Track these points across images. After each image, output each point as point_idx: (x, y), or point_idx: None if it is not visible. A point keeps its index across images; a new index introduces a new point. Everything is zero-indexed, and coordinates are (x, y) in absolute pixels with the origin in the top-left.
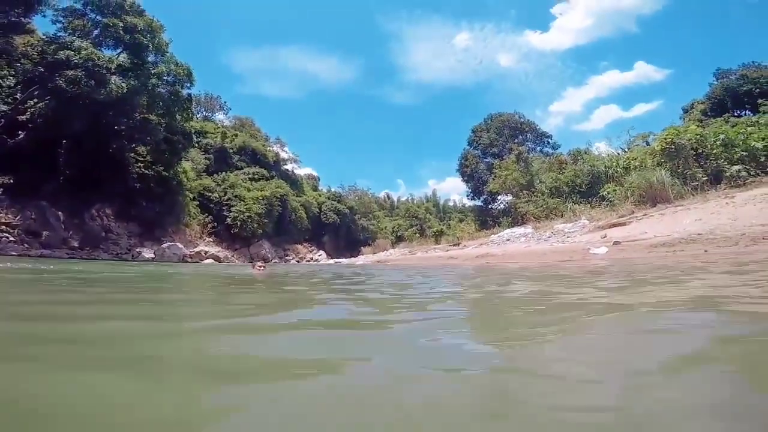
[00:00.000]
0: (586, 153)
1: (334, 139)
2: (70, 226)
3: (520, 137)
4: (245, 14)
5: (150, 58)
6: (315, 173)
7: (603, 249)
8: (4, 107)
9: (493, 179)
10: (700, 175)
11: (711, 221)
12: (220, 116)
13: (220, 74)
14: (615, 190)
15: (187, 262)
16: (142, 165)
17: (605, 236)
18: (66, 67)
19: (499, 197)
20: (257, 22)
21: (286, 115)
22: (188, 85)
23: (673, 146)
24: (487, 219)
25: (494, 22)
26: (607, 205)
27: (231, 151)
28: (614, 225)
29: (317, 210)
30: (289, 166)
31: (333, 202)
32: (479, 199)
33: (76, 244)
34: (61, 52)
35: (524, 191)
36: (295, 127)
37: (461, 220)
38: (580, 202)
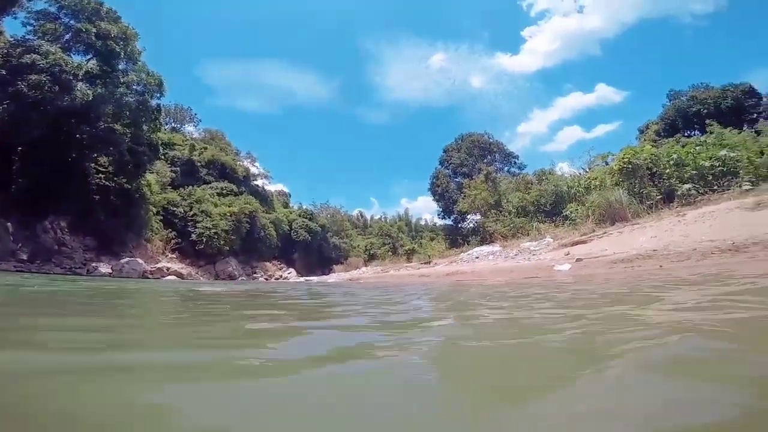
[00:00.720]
0: (550, 173)
1: (307, 156)
2: (20, 238)
3: (489, 157)
4: (222, 26)
5: (120, 66)
6: (286, 189)
7: (566, 266)
8: None
9: (463, 198)
10: (655, 194)
11: (665, 238)
12: (189, 128)
13: (192, 85)
14: (577, 210)
15: (148, 278)
16: (102, 176)
17: (568, 253)
18: (30, 71)
19: (468, 216)
20: (233, 35)
21: (259, 129)
22: (158, 95)
23: (630, 166)
24: (457, 237)
25: (468, 44)
26: (570, 223)
27: (199, 164)
28: (577, 243)
29: (287, 227)
30: (259, 182)
31: (304, 219)
32: (449, 218)
33: (25, 257)
34: (27, 55)
35: (492, 210)
36: (267, 142)
37: (432, 239)
38: (545, 221)
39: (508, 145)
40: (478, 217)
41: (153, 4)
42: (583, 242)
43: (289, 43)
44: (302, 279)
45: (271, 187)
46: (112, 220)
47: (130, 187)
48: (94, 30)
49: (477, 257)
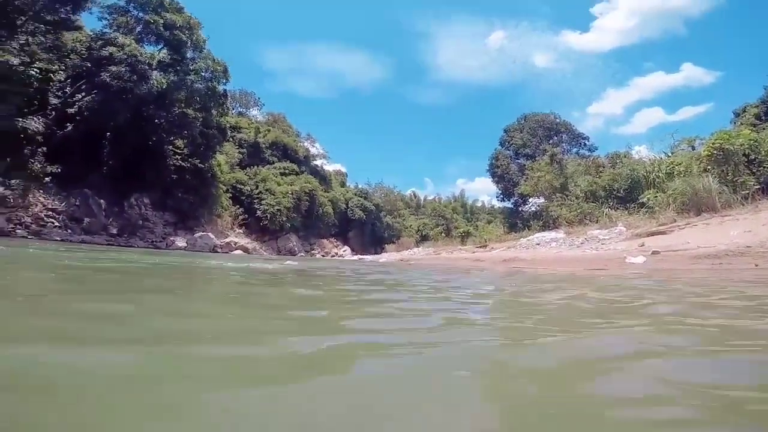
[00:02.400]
0: (625, 156)
1: (362, 136)
2: (111, 213)
3: (555, 138)
4: (274, 12)
5: (188, 55)
6: (343, 169)
7: (641, 258)
8: (55, 100)
9: (525, 181)
10: (752, 183)
11: (762, 233)
12: (254, 112)
13: (252, 71)
14: (656, 197)
15: (217, 252)
16: (179, 157)
17: (643, 245)
18: (111, 63)
19: (530, 200)
20: (286, 21)
21: (315, 111)
22: (224, 81)
23: (722, 152)
24: (516, 222)
25: (528, 21)
26: (647, 212)
27: (263, 146)
28: (654, 233)
29: (344, 206)
30: (318, 162)
31: (360, 198)
32: (509, 200)
33: (114, 231)
34: (107, 48)
35: (557, 194)
36: (324, 123)
37: (489, 222)
38: (617, 208)
39: (578, 125)
40: (541, 200)
41: None
42: (662, 233)
43: (340, 24)
44: (356, 257)
45: (329, 167)
46: (187, 198)
47: (202, 167)
48: (161, 21)
49: (538, 243)
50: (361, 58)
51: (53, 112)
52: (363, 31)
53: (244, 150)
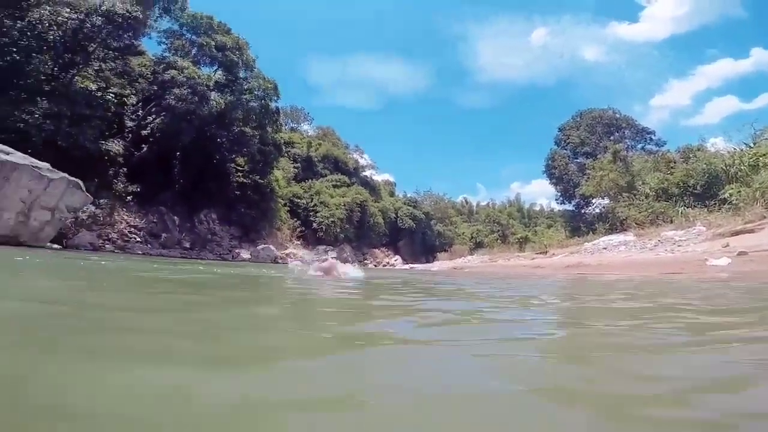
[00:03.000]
0: (699, 150)
1: (409, 144)
2: (183, 229)
3: (617, 134)
4: (314, 29)
5: (241, 74)
6: (392, 179)
7: (724, 260)
8: (130, 123)
9: (587, 181)
10: None
11: None
12: (305, 127)
13: (298, 87)
14: (740, 192)
15: (278, 263)
16: (240, 174)
17: (727, 245)
18: (174, 85)
19: (593, 201)
20: (326, 36)
21: (361, 122)
22: (275, 98)
23: None
24: (579, 225)
25: (571, 14)
26: (730, 208)
27: (315, 159)
28: (739, 232)
29: (393, 215)
30: (367, 173)
31: (409, 207)
32: (570, 203)
33: (187, 245)
34: (169, 71)
35: (624, 194)
36: (370, 134)
37: (549, 226)
38: (694, 206)
39: (640, 120)
40: (605, 201)
41: (252, 15)
42: (749, 232)
43: (378, 35)
44: (407, 266)
45: (378, 177)
46: (249, 213)
47: (262, 182)
48: (213, 43)
49: (604, 248)
50: (401, 67)
51: (129, 135)
52: (401, 40)
53: (298, 164)
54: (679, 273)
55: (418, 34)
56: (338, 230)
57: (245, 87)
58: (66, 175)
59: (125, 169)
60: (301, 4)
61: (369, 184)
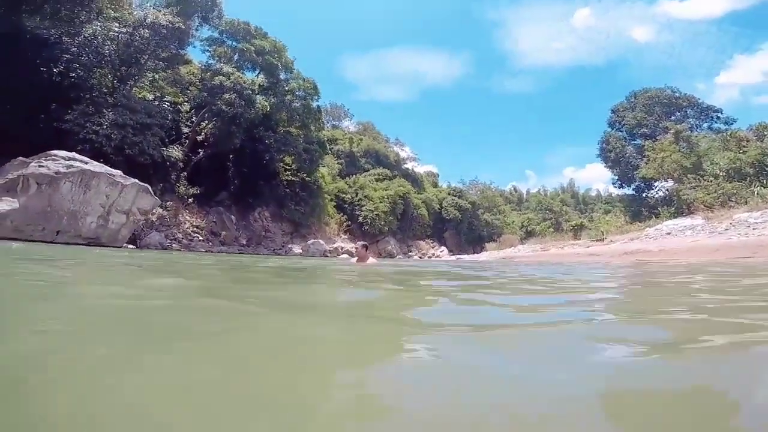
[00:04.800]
0: None
1: (450, 134)
2: (240, 227)
3: (678, 114)
4: (349, 26)
5: (282, 77)
6: (435, 170)
7: None
8: (186, 130)
9: (647, 163)
10: None
11: None
12: (345, 123)
13: (337, 84)
14: None
15: (327, 256)
16: (289, 173)
17: None
18: (222, 91)
19: (656, 184)
20: (361, 32)
21: (401, 115)
22: (316, 97)
23: None
24: (641, 210)
25: None
26: None
27: (358, 154)
28: None
29: (438, 206)
30: (409, 165)
31: (453, 197)
32: (629, 186)
33: (244, 242)
34: (216, 78)
35: (689, 175)
36: (411, 126)
37: (607, 212)
38: None
39: (706, 98)
40: (669, 183)
41: (286, 18)
42: None
43: (411, 26)
44: (454, 257)
45: (420, 169)
46: (299, 209)
47: (309, 180)
48: (253, 48)
49: (668, 233)
50: (437, 57)
51: (186, 140)
52: (435, 30)
53: (342, 160)
54: (749, 257)
55: (452, 23)
56: (382, 223)
57: (287, 88)
58: (136, 180)
59: (185, 173)
60: (332, 2)
61: (411, 176)
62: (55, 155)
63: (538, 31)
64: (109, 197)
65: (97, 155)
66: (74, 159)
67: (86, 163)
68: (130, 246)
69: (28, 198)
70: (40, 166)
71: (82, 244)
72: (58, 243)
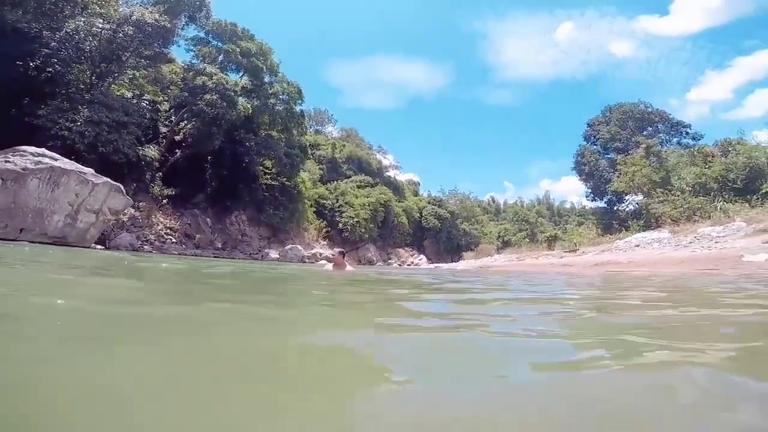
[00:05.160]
0: (739, 143)
1: (432, 144)
2: (215, 230)
3: (649, 129)
4: (335, 32)
5: (266, 79)
6: (416, 178)
7: (762, 255)
8: (164, 129)
9: (618, 177)
10: None
11: None
12: (329, 128)
13: (321, 90)
14: None
15: (305, 262)
16: (268, 177)
17: None
18: (203, 92)
19: (626, 197)
20: (347, 38)
21: (384, 123)
22: (299, 101)
23: None
24: (612, 222)
25: (594, 8)
26: None
27: (340, 161)
28: None
29: (418, 215)
30: (391, 173)
31: (433, 206)
32: (602, 200)
33: (219, 246)
34: (199, 78)
35: (658, 189)
36: (393, 134)
37: (580, 224)
38: (735, 201)
39: (678, 114)
40: (639, 197)
41: (274, 21)
42: None
43: (397, 35)
44: (432, 266)
45: (402, 177)
46: (277, 214)
47: (289, 184)
48: (238, 49)
49: (637, 245)
50: (422, 66)
51: (164, 140)
52: (421, 39)
53: (323, 166)
54: (712, 270)
55: (437, 33)
56: (363, 230)
57: (270, 91)
58: (108, 179)
59: (161, 173)
60: (321, 8)
61: (393, 184)
62: (24, 151)
63: (521, 44)
64: (79, 196)
65: (69, 152)
66: (44, 155)
67: (56, 160)
68: (99, 246)
69: None
70: (6, 161)
71: (48, 243)
72: (21, 241)
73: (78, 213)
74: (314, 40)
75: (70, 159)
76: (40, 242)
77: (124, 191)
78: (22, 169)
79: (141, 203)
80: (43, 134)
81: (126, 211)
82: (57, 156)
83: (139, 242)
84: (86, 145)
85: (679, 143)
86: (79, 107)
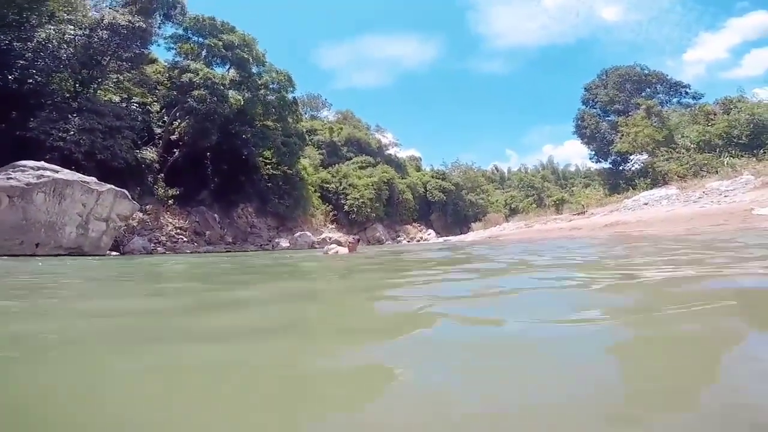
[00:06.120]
0: (740, 101)
1: (429, 118)
2: (224, 225)
3: (648, 90)
4: (321, 14)
5: (254, 70)
6: (417, 154)
7: None
8: (159, 130)
9: (621, 138)
10: None
11: None
12: (324, 113)
13: (313, 74)
14: None
15: (315, 247)
16: (269, 167)
17: None
18: (191, 88)
19: (631, 157)
20: (334, 19)
21: (380, 102)
22: (291, 89)
23: None
24: (619, 182)
25: None
26: None
27: (339, 144)
28: None
29: (422, 190)
30: (391, 151)
31: (437, 180)
32: (606, 161)
33: (230, 240)
34: (185, 75)
35: (662, 148)
36: (390, 112)
37: (587, 186)
38: (741, 156)
39: (675, 75)
40: (644, 156)
41: (255, 11)
42: None
43: (384, 11)
44: (441, 239)
45: (403, 154)
46: (282, 202)
47: (291, 172)
48: (221, 43)
49: (646, 203)
50: (412, 41)
51: (160, 141)
52: (408, 13)
53: (323, 150)
54: (722, 225)
55: (425, 6)
56: (369, 210)
57: (260, 82)
58: (112, 186)
59: (162, 175)
60: None
61: (394, 162)
62: (24, 166)
63: (509, 11)
64: (86, 205)
65: (67, 162)
66: (44, 168)
67: (57, 171)
68: (114, 253)
69: (1, 212)
70: (8, 178)
71: (64, 255)
72: (39, 255)
73: (88, 222)
74: (300, 25)
75: (70, 169)
76: (57, 255)
77: (129, 196)
78: (26, 185)
79: (148, 206)
80: (38, 147)
81: (134, 216)
82: (57, 168)
83: (152, 245)
84: (83, 154)
85: (679, 103)
86: (69, 116)
